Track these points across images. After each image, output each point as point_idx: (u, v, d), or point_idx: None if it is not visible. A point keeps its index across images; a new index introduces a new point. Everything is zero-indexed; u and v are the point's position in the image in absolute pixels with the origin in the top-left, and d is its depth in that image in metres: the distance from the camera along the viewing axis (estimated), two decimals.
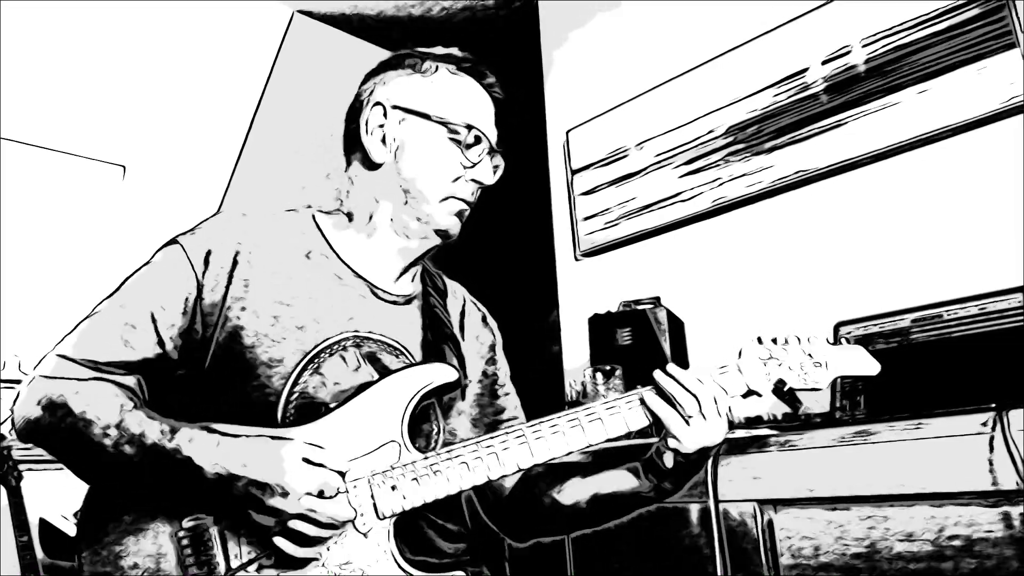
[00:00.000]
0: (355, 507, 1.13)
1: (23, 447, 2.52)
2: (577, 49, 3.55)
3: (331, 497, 1.09)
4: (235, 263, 1.23)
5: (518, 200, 3.85)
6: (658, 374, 1.22)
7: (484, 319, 1.49)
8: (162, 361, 1.19)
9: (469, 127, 1.29)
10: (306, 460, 1.09)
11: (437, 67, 1.33)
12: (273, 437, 1.11)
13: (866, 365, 1.34)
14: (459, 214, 1.32)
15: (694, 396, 1.19)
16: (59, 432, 1.13)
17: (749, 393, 1.25)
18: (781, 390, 1.27)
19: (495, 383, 1.43)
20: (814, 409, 2.09)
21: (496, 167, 1.34)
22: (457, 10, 4.05)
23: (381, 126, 1.31)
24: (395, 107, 1.31)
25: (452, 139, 1.29)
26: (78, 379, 1.14)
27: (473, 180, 1.30)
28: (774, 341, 1.29)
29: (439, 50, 1.36)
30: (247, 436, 1.11)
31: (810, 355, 1.30)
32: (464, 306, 1.47)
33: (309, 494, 1.08)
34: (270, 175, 3.71)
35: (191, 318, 1.20)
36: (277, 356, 1.20)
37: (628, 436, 1.25)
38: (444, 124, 1.29)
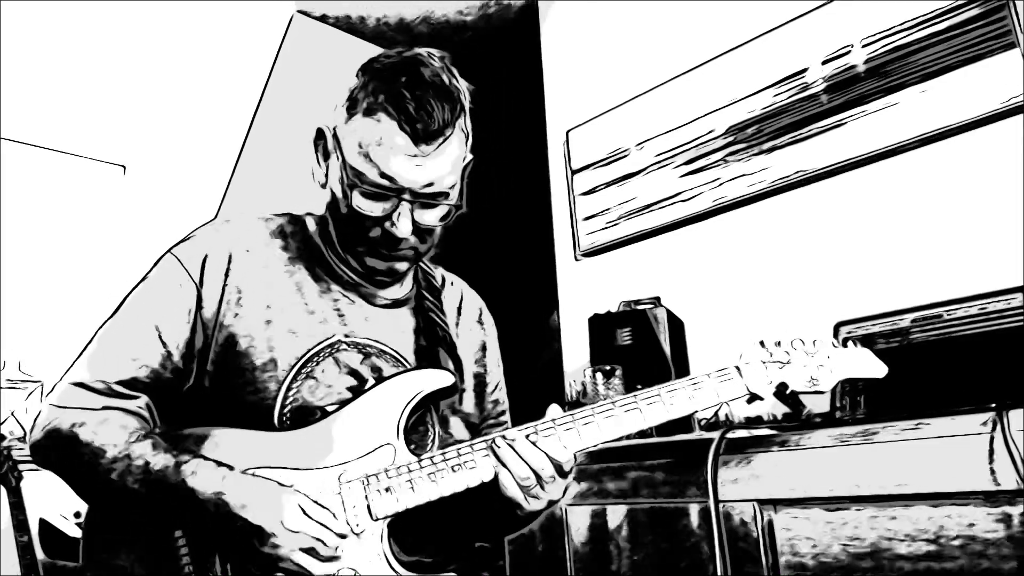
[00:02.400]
0: (350, 524, 1.14)
1: (23, 447, 2.52)
2: (577, 49, 3.55)
3: (326, 559, 1.09)
4: (228, 270, 1.23)
5: (518, 200, 3.85)
6: (499, 443, 1.17)
7: (480, 315, 1.48)
8: (172, 374, 1.20)
9: (361, 180, 1.17)
10: (306, 514, 1.09)
11: (361, 99, 1.18)
12: (279, 482, 1.11)
13: (872, 367, 1.33)
14: (385, 259, 1.25)
15: (532, 469, 1.16)
16: (67, 463, 1.15)
17: (752, 397, 1.24)
18: (783, 393, 1.26)
19: (483, 385, 1.42)
20: (814, 409, 2.09)
21: (447, 212, 1.22)
22: (460, 15, 4.05)
23: (324, 151, 1.26)
24: (333, 134, 1.24)
25: (350, 187, 1.19)
26: (88, 408, 1.15)
27: (387, 232, 1.21)
28: (777, 344, 1.28)
29: (408, 53, 1.22)
30: (253, 475, 1.12)
31: (813, 357, 1.29)
32: (461, 302, 1.45)
33: (301, 549, 1.08)
34: (270, 175, 3.71)
35: (193, 328, 1.21)
36: (270, 361, 1.20)
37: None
38: (344, 169, 1.19)
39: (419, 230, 1.22)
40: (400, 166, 1.17)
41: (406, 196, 1.19)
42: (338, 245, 1.30)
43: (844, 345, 1.34)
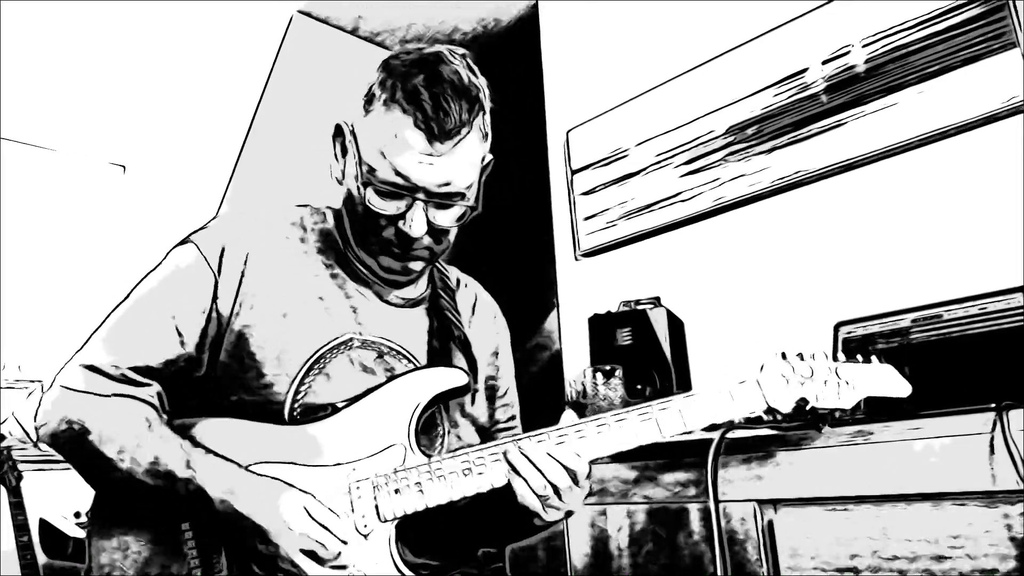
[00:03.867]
0: (356, 518, 1.14)
1: (23, 447, 2.53)
2: (577, 49, 3.55)
3: (326, 562, 1.09)
4: (246, 261, 1.23)
5: (518, 200, 3.85)
6: (512, 453, 1.15)
7: (494, 318, 1.47)
8: (185, 362, 1.19)
9: (374, 177, 1.17)
10: (311, 516, 1.09)
11: (378, 96, 1.18)
12: (286, 481, 1.12)
13: (896, 386, 1.29)
14: (399, 259, 1.24)
15: (548, 481, 1.14)
16: (76, 449, 1.14)
17: (769, 411, 1.21)
18: (803, 408, 1.21)
19: (494, 387, 1.42)
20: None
21: (462, 213, 1.22)
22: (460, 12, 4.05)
23: (342, 148, 1.25)
24: (351, 132, 1.23)
25: (365, 184, 1.19)
26: (99, 394, 1.14)
27: (400, 231, 1.20)
28: (799, 356, 1.24)
29: (428, 50, 1.21)
30: (259, 473, 1.12)
31: (836, 373, 1.25)
32: (476, 303, 1.44)
33: (301, 551, 1.08)
34: (270, 175, 3.71)
35: (208, 318, 1.20)
36: (283, 356, 1.20)
37: None
38: (359, 166, 1.19)
39: (434, 230, 1.21)
40: (413, 164, 1.15)
41: (420, 195, 1.17)
42: (353, 242, 1.29)
43: (868, 360, 1.29)
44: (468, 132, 1.17)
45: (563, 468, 1.14)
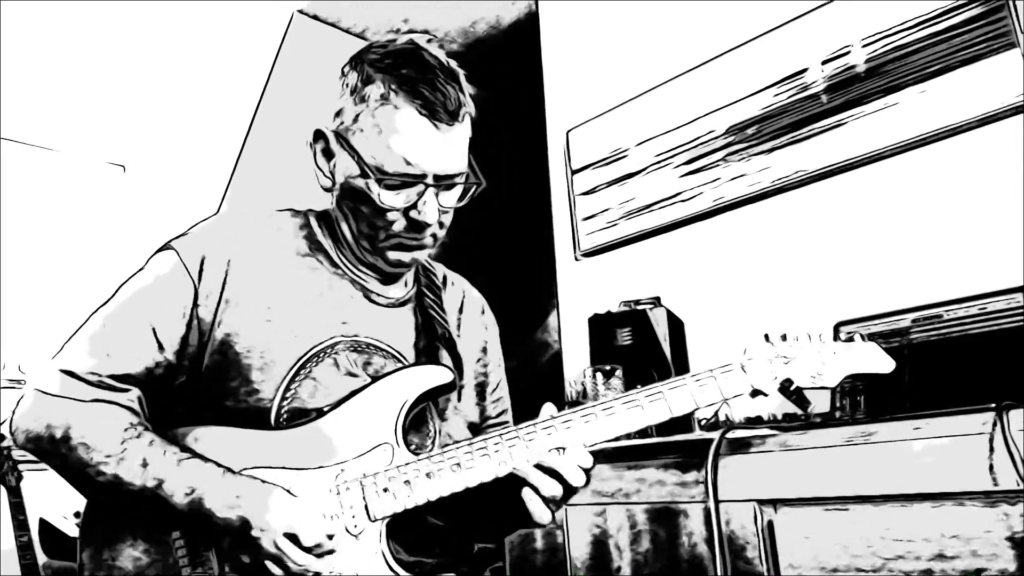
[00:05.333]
0: (344, 516, 1.14)
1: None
2: (577, 49, 3.55)
3: (310, 550, 1.10)
4: (228, 267, 1.22)
5: (518, 200, 3.85)
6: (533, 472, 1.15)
7: (482, 314, 1.47)
8: (165, 370, 1.18)
9: (383, 172, 1.17)
10: (293, 514, 1.10)
11: (370, 91, 1.19)
12: (268, 480, 1.12)
13: (879, 362, 1.30)
14: (409, 249, 1.25)
15: (564, 485, 1.15)
16: (59, 456, 1.13)
17: (755, 393, 1.23)
18: (788, 389, 1.23)
19: (484, 384, 1.42)
20: (816, 408, 2.09)
21: (464, 195, 1.24)
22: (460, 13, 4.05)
23: (325, 151, 1.26)
24: (334, 132, 1.24)
25: (377, 181, 1.19)
26: (80, 400, 1.13)
27: (414, 220, 1.21)
28: (783, 338, 1.26)
29: (400, 41, 1.23)
30: (245, 474, 1.12)
31: (819, 352, 1.27)
32: (463, 300, 1.44)
33: (286, 535, 1.08)
34: (270, 175, 3.71)
35: (188, 324, 1.19)
36: (269, 360, 1.19)
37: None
38: (362, 164, 1.19)
39: (440, 214, 1.23)
40: (423, 151, 1.17)
41: (429, 180, 1.19)
42: (352, 243, 1.29)
43: (850, 340, 1.32)
44: (466, 110, 1.21)
45: (584, 473, 1.15)
